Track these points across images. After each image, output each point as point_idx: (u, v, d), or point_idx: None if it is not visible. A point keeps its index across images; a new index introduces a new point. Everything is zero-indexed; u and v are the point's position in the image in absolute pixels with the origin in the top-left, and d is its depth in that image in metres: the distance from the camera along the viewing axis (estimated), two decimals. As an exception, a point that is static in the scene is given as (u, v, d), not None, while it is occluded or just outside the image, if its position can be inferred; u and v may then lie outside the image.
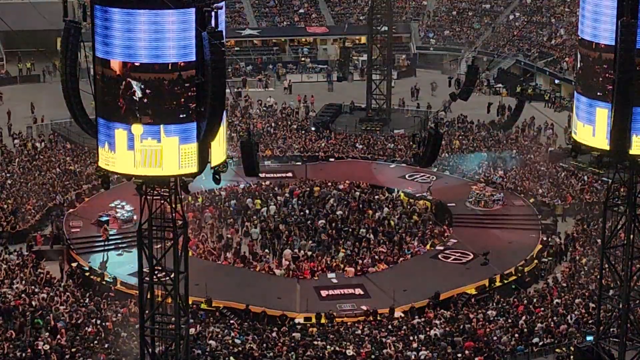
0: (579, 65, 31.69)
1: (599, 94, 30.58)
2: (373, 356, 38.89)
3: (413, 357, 38.75)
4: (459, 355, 38.77)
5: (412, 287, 46.63)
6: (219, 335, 40.36)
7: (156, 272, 29.84)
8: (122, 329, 40.22)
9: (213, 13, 26.37)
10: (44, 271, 46.93)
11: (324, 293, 46.28)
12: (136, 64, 26.61)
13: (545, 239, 52.08)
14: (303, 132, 70.55)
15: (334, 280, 47.72)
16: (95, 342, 38.78)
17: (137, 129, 27.04)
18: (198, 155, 27.62)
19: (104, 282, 46.58)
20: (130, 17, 26.22)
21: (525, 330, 40.74)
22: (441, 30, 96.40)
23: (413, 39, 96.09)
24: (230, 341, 39.74)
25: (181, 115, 27.11)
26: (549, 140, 68.75)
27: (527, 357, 39.55)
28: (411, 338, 40.45)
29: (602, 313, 36.24)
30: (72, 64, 27.64)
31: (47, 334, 39.16)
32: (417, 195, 58.14)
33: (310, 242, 52.04)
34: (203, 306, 43.98)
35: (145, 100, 26.87)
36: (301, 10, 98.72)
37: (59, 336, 38.96)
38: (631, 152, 30.45)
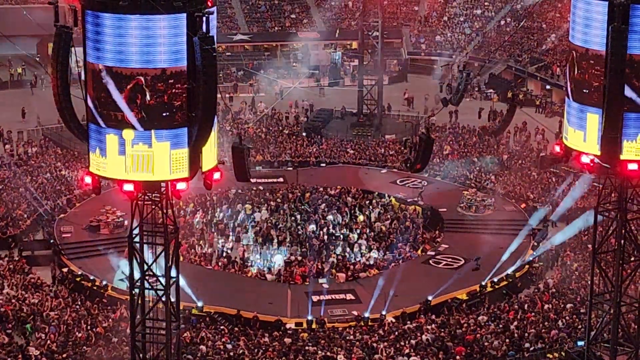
0: (577, 71, 31.56)
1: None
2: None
3: (404, 362, 38.80)
4: (450, 360, 38.84)
5: (403, 292, 46.62)
6: (210, 341, 40.32)
7: (147, 278, 29.81)
8: (113, 334, 40.16)
9: (204, 18, 26.38)
10: (35, 276, 46.89)
11: (315, 298, 46.28)
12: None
13: (536, 244, 52.12)
14: (294, 137, 70.56)
15: (325, 286, 47.73)
16: (86, 347, 38.73)
17: (128, 134, 27.02)
18: (189, 161, 27.60)
19: (94, 287, 46.53)
20: (122, 23, 26.21)
21: (516, 335, 40.75)
22: (432, 36, 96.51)
23: (404, 44, 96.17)
24: (221, 346, 39.70)
25: (164, 114, 27.08)
26: (539, 145, 68.83)
27: (518, 362, 39.62)
28: (402, 343, 40.44)
29: (593, 318, 36.28)
30: (63, 69, 27.61)
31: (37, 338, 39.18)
32: (408, 200, 58.17)
33: (301, 247, 52.06)
34: (194, 311, 43.91)
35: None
36: (292, 16, 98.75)
37: (49, 341, 38.91)
38: (622, 157, 30.50)
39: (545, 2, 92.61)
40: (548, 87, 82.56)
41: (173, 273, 29.53)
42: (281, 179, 61.93)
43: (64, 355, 37.84)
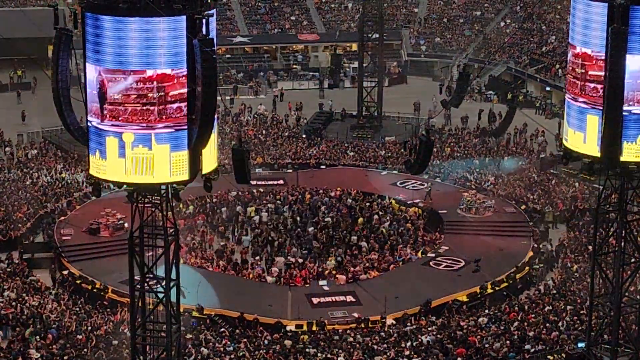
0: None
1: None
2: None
3: (405, 364, 38.79)
4: (451, 362, 38.83)
5: (403, 294, 46.63)
6: (210, 343, 40.32)
7: (147, 280, 29.80)
8: (114, 337, 40.16)
9: (204, 20, 26.39)
10: (35, 279, 46.89)
11: (315, 300, 46.26)
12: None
13: (536, 245, 52.13)
14: (294, 139, 70.59)
15: (326, 288, 47.72)
16: (86, 350, 38.73)
17: (128, 136, 27.02)
18: (189, 163, 27.60)
19: (94, 290, 46.54)
20: (121, 25, 26.21)
21: (516, 337, 40.73)
22: (432, 37, 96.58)
23: (404, 46, 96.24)
24: (222, 349, 39.70)
25: None
26: (539, 147, 68.85)
27: (518, 364, 39.60)
28: (403, 345, 40.43)
29: (594, 320, 36.26)
30: (63, 71, 27.63)
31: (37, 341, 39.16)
32: (408, 202, 58.16)
33: (301, 249, 52.05)
34: (194, 314, 43.89)
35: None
36: (292, 18, 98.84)
37: (49, 344, 38.91)
38: (622, 158, 30.50)
39: (544, 4, 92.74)
40: (548, 88, 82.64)
41: (173, 275, 29.53)
42: (281, 181, 61.92)
43: (65, 358, 37.82)
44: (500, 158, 65.18)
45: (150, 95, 26.83)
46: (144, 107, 26.90)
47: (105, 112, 27.10)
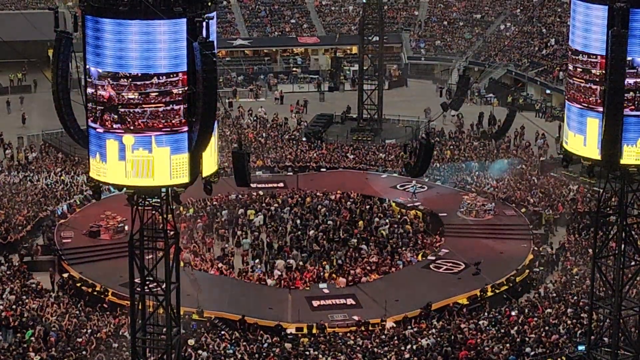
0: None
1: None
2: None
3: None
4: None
5: (404, 297, 46.61)
6: (211, 346, 40.31)
7: (147, 283, 29.79)
8: (114, 340, 40.13)
9: (204, 23, 26.38)
10: (35, 281, 46.86)
11: (315, 303, 46.24)
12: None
13: (536, 248, 52.11)
14: (294, 142, 70.58)
15: (326, 291, 47.70)
16: (86, 352, 38.70)
17: (128, 139, 27.00)
18: (189, 166, 27.59)
19: (95, 293, 46.51)
20: (122, 28, 26.20)
21: (517, 340, 40.72)
22: (432, 40, 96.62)
23: (404, 49, 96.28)
24: (221, 352, 39.68)
25: None
26: (540, 150, 68.83)
27: (519, 367, 39.57)
28: (403, 348, 40.42)
29: (594, 323, 36.25)
30: (63, 74, 27.63)
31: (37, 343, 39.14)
32: (408, 205, 58.15)
33: (301, 252, 52.02)
34: (194, 317, 43.87)
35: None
36: (292, 21, 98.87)
37: (49, 346, 38.90)
38: (622, 161, 30.50)
39: (545, 7, 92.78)
40: (548, 91, 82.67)
41: (173, 278, 29.52)
42: (281, 184, 61.91)
43: (65, 361, 37.87)
44: (494, 160, 65.20)
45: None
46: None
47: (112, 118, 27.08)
